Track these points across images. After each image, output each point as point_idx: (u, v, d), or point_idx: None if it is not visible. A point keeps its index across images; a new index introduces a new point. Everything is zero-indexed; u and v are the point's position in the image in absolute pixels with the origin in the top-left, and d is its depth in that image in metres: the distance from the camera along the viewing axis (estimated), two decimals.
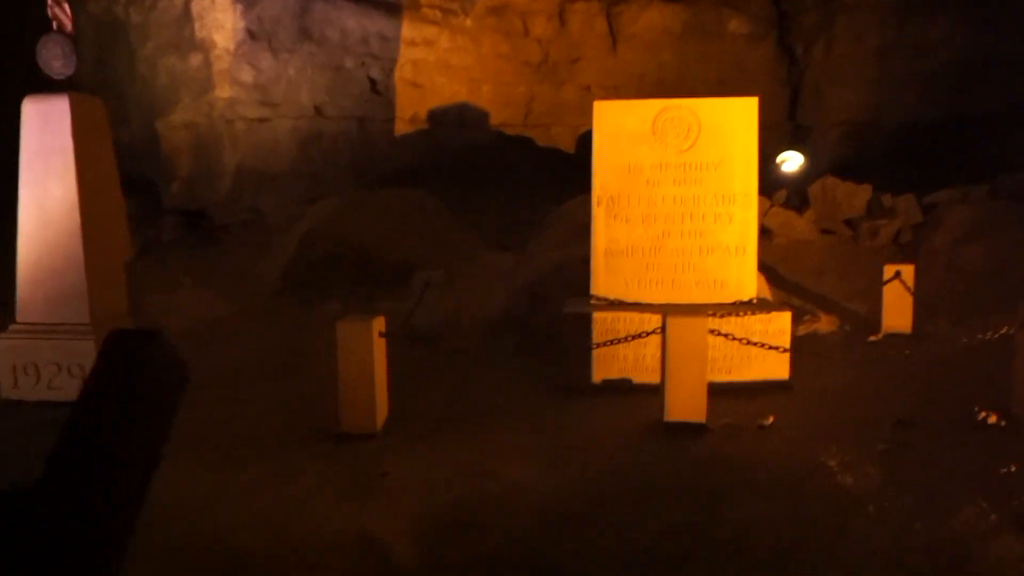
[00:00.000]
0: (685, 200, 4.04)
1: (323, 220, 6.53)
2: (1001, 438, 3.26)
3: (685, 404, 3.39)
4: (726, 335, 3.53)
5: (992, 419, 3.40)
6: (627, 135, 4.05)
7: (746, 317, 3.93)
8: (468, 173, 8.80)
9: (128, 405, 0.95)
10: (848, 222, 7.09)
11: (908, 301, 4.96)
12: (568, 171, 9.36)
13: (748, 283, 4.12)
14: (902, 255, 6.64)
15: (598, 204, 4.10)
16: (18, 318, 4.34)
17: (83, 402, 0.94)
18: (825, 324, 5.25)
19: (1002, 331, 3.72)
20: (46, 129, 4.23)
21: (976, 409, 3.50)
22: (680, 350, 3.35)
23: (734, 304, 4.07)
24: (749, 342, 3.72)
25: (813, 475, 2.91)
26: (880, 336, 4.94)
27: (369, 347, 3.48)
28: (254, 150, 8.24)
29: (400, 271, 6.23)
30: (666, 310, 3.63)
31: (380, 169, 8.39)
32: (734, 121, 4.00)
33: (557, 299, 4.75)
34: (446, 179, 8.54)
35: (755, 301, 4.13)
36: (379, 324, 3.59)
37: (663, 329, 3.45)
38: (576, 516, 2.80)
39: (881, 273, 5.42)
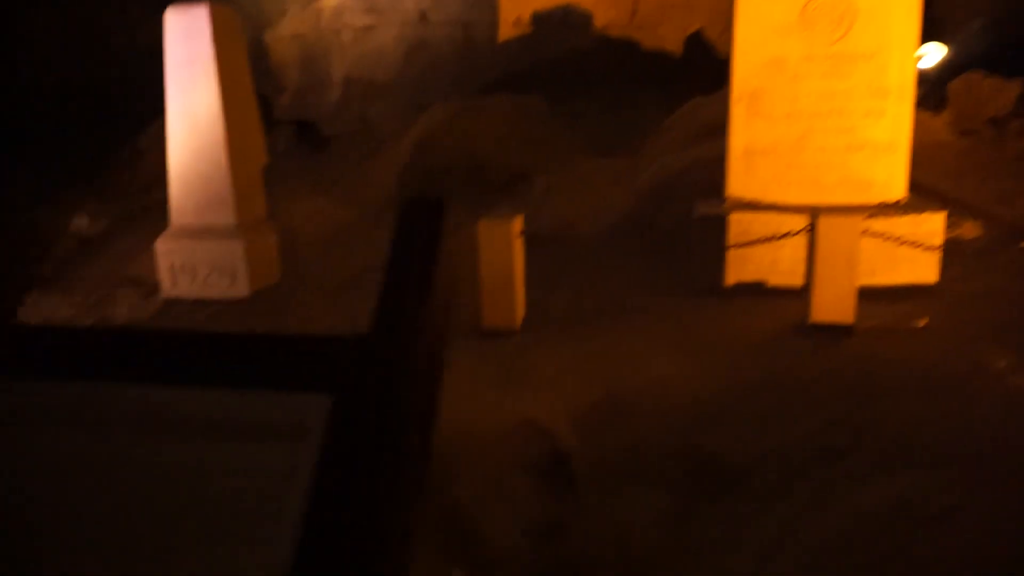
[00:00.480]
0: (833, 95, 3.81)
1: (435, 127, 6.55)
2: None
3: (832, 305, 3.31)
4: (879, 235, 3.39)
5: None
6: (772, 25, 3.81)
7: (895, 218, 3.74)
8: (571, 78, 8.56)
9: (433, 267, 1.01)
10: (992, 121, 6.54)
11: None
12: (674, 74, 8.97)
13: (897, 183, 3.90)
14: None
15: (738, 101, 3.92)
16: (172, 221, 4.64)
17: (399, 263, 1.00)
18: (968, 230, 4.94)
19: None
20: (188, 39, 4.36)
21: None
22: (830, 250, 3.25)
23: (880, 205, 3.88)
24: (905, 242, 3.55)
25: (977, 376, 2.82)
26: None
27: (509, 246, 3.54)
28: (361, 59, 8.28)
29: (512, 176, 6.24)
30: (811, 210, 3.50)
31: (484, 75, 8.29)
32: (893, 5, 3.69)
33: (684, 201, 4.65)
34: (549, 84, 8.35)
35: (903, 202, 3.93)
36: (518, 223, 3.64)
37: (811, 229, 3.34)
38: (729, 410, 2.84)
39: None
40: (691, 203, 4.48)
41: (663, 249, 4.61)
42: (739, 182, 4.01)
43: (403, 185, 6.54)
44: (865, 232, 3.36)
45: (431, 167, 6.38)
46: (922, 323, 3.36)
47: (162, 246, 4.58)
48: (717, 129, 5.11)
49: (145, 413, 0.94)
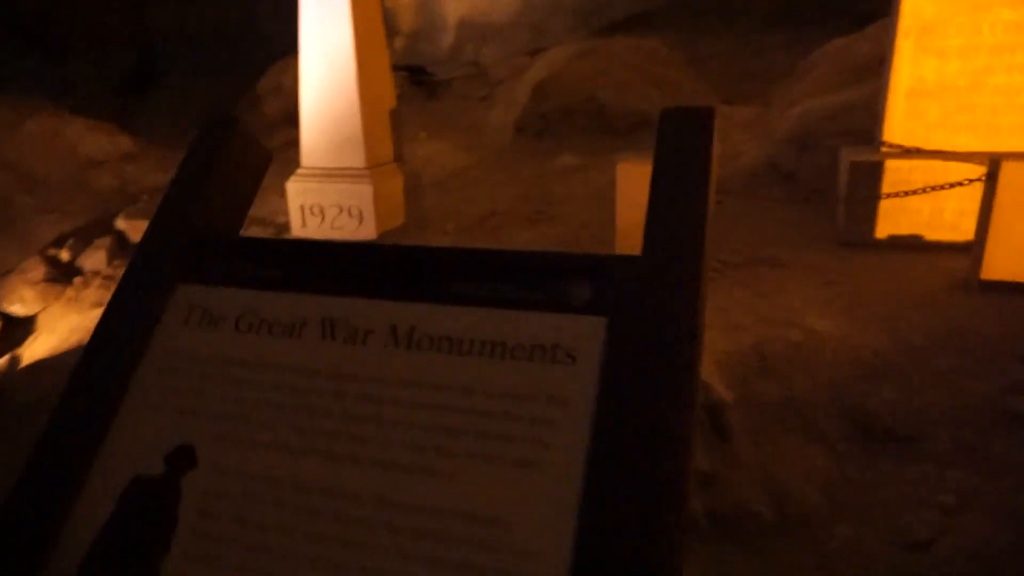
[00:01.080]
0: (1020, 26, 3.41)
1: (554, 70, 6.40)
2: None
3: (1008, 261, 3.03)
4: None
5: None
6: None
7: None
8: (694, 20, 8.17)
9: None
10: None
11: None
12: (802, 15, 8.40)
13: None
14: None
15: (905, 35, 3.58)
16: (303, 163, 4.74)
17: None
18: None
19: None
20: None
21: None
22: (1012, 199, 2.96)
23: None
24: None
25: None
26: None
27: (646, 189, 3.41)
28: (475, 2, 8.15)
29: (635, 122, 6.05)
30: (988, 157, 3.19)
31: (602, 18, 8.01)
32: None
33: (827, 149, 4.37)
34: (670, 27, 8.00)
35: None
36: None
37: (990, 176, 3.05)
38: (893, 368, 2.67)
39: None
40: (836, 151, 4.20)
41: (806, 199, 4.36)
42: (900, 126, 3.70)
43: (520, 130, 6.46)
44: None
45: (550, 111, 6.27)
46: None
47: (293, 187, 4.70)
48: (864, 72, 4.75)
49: (414, 329, 0.92)
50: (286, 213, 5.32)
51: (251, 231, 5.01)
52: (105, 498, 0.89)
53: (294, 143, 7.18)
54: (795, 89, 5.30)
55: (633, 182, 3.42)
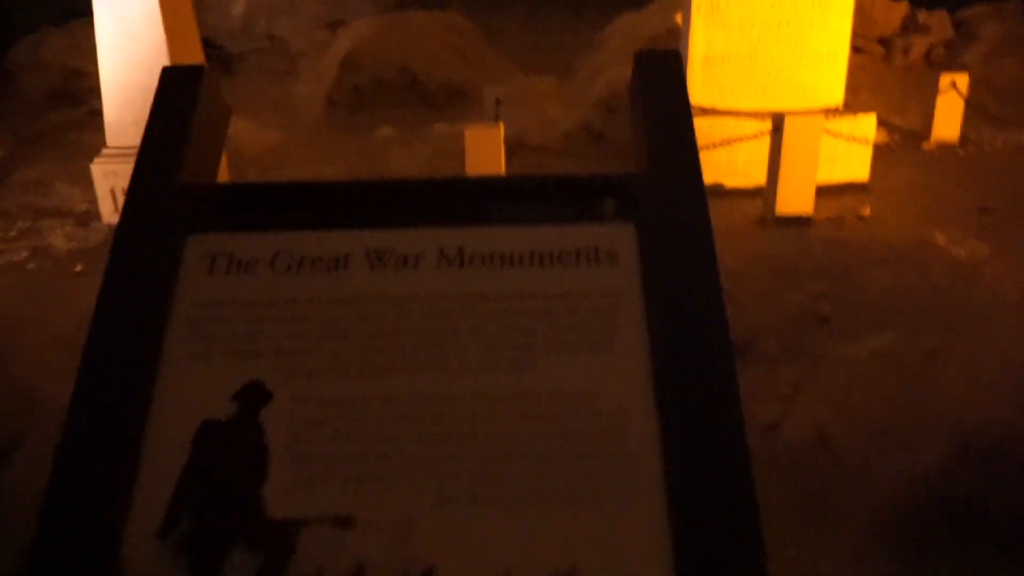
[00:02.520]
0: (782, 5, 4.08)
1: (363, 42, 6.31)
2: None
3: (795, 199, 3.67)
4: (834, 134, 3.76)
5: None
6: None
7: (833, 120, 4.13)
8: None
9: None
10: (881, 40, 7.17)
11: (959, 111, 5.21)
12: None
13: (836, 90, 4.29)
14: (931, 72, 6.82)
15: (697, 10, 4.11)
16: (108, 142, 4.29)
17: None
18: (874, 135, 5.51)
19: None
20: None
21: None
22: (796, 147, 3.57)
23: (824, 109, 4.26)
24: (851, 139, 3.95)
25: (927, 251, 3.27)
26: (932, 145, 5.23)
27: (498, 153, 3.62)
28: None
29: (451, 92, 6.19)
30: (771, 115, 3.81)
31: None
32: None
33: None
34: (460, 2, 8.22)
35: (840, 108, 4.33)
36: (501, 131, 3.71)
37: (777, 129, 3.65)
38: (726, 290, 3.13)
39: (915, 88, 5.66)
40: None
41: (615, 158, 4.83)
42: (697, 89, 4.25)
43: (332, 103, 6.32)
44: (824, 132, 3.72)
45: (362, 84, 6.20)
46: (867, 212, 3.80)
47: (99, 169, 4.25)
48: (655, 43, 5.33)
49: (462, 250, 1.02)
50: (85, 200, 4.78)
51: (51, 222, 4.45)
52: (171, 449, 0.89)
53: (66, 126, 6.41)
54: (596, 59, 5.79)
55: (481, 148, 3.59)
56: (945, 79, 5.17)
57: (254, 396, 0.92)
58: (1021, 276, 2.99)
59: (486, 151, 3.59)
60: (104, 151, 4.27)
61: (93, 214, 4.42)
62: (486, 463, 0.87)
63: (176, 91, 1.17)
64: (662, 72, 1.17)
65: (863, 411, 2.41)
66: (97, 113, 6.73)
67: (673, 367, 0.92)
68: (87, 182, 4.56)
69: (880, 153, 5.23)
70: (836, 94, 4.29)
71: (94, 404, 0.92)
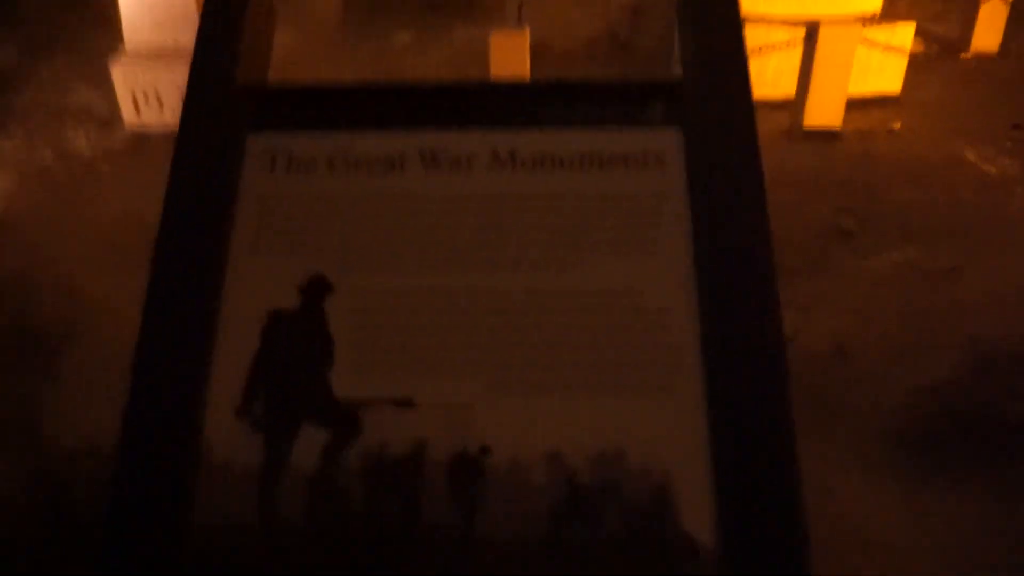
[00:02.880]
0: None
1: None
2: None
3: (825, 111, 3.60)
4: (870, 43, 3.64)
5: None
6: None
7: (870, 28, 3.99)
8: None
9: None
10: None
11: (1002, 19, 5.00)
12: None
13: None
14: None
15: None
16: (127, 41, 4.23)
17: None
18: (911, 45, 5.31)
19: None
20: None
21: None
22: (828, 57, 3.48)
23: (858, 17, 4.11)
24: (888, 48, 3.83)
25: (957, 167, 3.24)
26: (970, 55, 5.05)
27: (524, 58, 3.55)
28: None
29: None
30: (805, 22, 3.68)
31: None
32: None
33: (662, 17, 4.71)
34: None
35: (877, 14, 4.17)
36: (527, 36, 3.63)
37: (810, 37, 3.54)
38: None
39: None
40: (670, 18, 4.55)
41: (642, 64, 4.71)
42: None
43: (349, 6, 6.14)
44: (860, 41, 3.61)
45: None
46: (897, 126, 3.73)
47: (120, 71, 4.20)
48: None
49: (514, 152, 1.05)
50: (105, 103, 4.76)
51: (73, 124, 4.45)
52: (243, 337, 0.95)
53: (78, 27, 6.28)
54: None
55: (506, 53, 3.52)
56: None
57: (318, 288, 0.98)
58: None
59: (512, 57, 3.52)
60: (123, 52, 4.22)
61: (115, 116, 4.41)
62: (536, 353, 0.93)
63: None
64: None
65: (881, 324, 2.47)
66: (110, 14, 6.59)
67: (715, 269, 0.96)
68: (105, 84, 4.53)
69: (915, 63, 5.07)
70: (874, 1, 4.13)
71: (168, 298, 0.98)
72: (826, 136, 3.63)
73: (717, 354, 0.91)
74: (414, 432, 0.90)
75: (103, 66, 4.34)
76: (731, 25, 1.12)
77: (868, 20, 4.10)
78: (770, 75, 4.12)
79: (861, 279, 2.67)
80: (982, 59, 5.04)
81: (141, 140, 4.27)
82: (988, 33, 5.05)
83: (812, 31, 3.49)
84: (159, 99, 4.23)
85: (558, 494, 0.86)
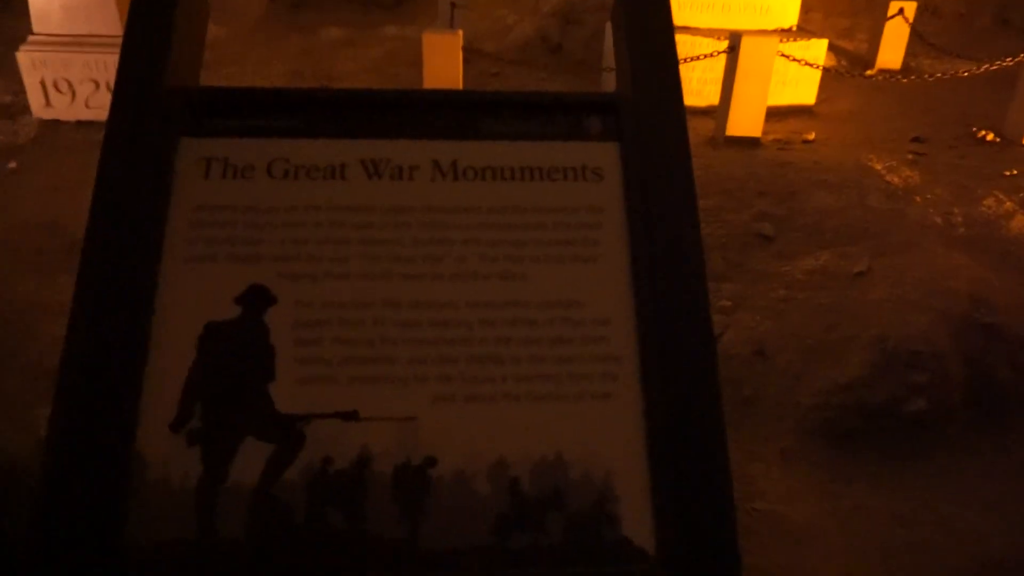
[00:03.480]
0: None
1: None
2: (998, 151, 3.88)
3: (746, 120, 3.76)
4: (786, 56, 3.82)
5: (989, 136, 4.00)
6: None
7: (787, 42, 4.19)
8: None
9: None
10: None
11: (904, 38, 5.34)
12: None
13: (791, 10, 4.33)
14: None
15: None
16: (35, 28, 3.99)
17: None
18: (824, 59, 5.60)
19: (995, 63, 4.19)
20: None
21: (974, 129, 4.09)
22: (749, 68, 3.63)
23: (776, 31, 4.30)
24: (805, 63, 4.02)
25: (865, 176, 3.43)
26: (875, 71, 5.37)
27: (456, 60, 3.55)
28: None
29: None
30: (729, 33, 3.83)
31: None
32: None
33: (590, 23, 4.80)
34: None
35: (794, 29, 4.38)
36: (460, 37, 3.63)
37: (731, 49, 3.69)
38: None
39: (864, 12, 5.73)
40: (597, 25, 4.65)
41: (572, 70, 4.79)
42: None
43: (274, 1, 5.98)
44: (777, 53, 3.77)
45: None
46: (811, 136, 3.93)
47: (26, 57, 3.96)
48: None
49: (456, 163, 1.06)
50: (9, 91, 4.48)
51: None
52: (178, 349, 0.93)
53: None
54: None
55: (439, 54, 3.51)
56: (894, 6, 5.26)
57: (258, 299, 0.96)
58: (946, 204, 3.19)
59: (445, 58, 3.52)
60: (31, 38, 3.98)
61: (21, 106, 4.15)
62: (480, 364, 0.95)
63: None
64: (643, 6, 1.20)
65: (797, 325, 2.60)
66: (16, 1, 6.19)
67: (651, 278, 1.00)
68: (10, 72, 4.27)
69: (826, 77, 5.36)
70: (791, 15, 4.34)
71: (98, 307, 0.94)
72: (747, 144, 3.78)
73: (653, 361, 0.95)
74: (358, 445, 0.90)
75: (9, 54, 4.09)
76: (664, 37, 1.17)
77: (785, 33, 4.30)
78: (695, 84, 4.26)
79: (779, 282, 2.80)
80: (886, 75, 5.37)
81: (51, 132, 4.05)
82: (891, 51, 5.39)
83: (735, 42, 3.63)
84: (72, 89, 4.01)
85: (502, 503, 0.88)
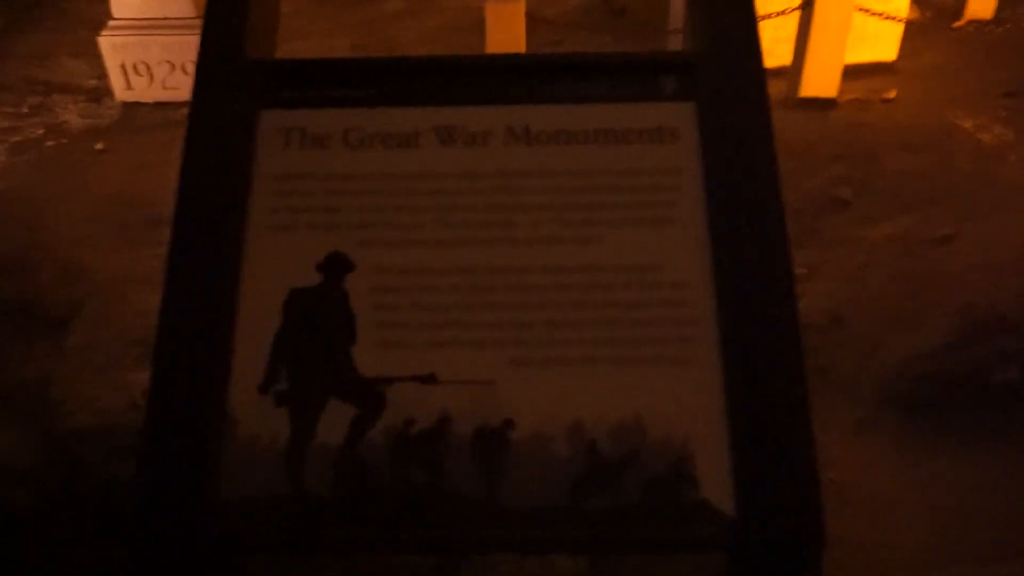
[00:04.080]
0: None
1: None
2: None
3: (821, 80, 3.60)
4: (866, 10, 3.62)
5: None
6: None
7: None
8: None
9: None
10: None
11: None
12: None
13: None
14: None
15: None
16: (115, 13, 4.14)
17: None
18: (907, 12, 5.28)
19: None
20: None
21: None
22: (825, 24, 3.46)
23: None
24: (886, 16, 3.81)
25: (951, 135, 3.25)
26: (964, 22, 5.03)
27: (520, 27, 3.51)
28: None
29: None
30: None
31: None
32: None
33: None
34: None
35: None
36: (523, 4, 3.59)
37: (805, 6, 3.52)
38: None
39: None
40: None
41: (637, 33, 4.67)
42: None
43: None
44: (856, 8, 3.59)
45: None
46: (892, 95, 3.73)
47: (108, 42, 4.12)
48: None
49: (529, 128, 1.05)
50: (93, 75, 4.68)
51: (62, 97, 4.38)
52: (264, 315, 0.97)
53: None
54: None
55: (502, 22, 3.48)
56: None
57: (338, 265, 0.99)
58: None
59: (508, 26, 3.48)
60: (111, 23, 4.13)
61: (104, 90, 4.33)
62: (556, 327, 0.95)
63: None
64: None
65: (876, 293, 2.50)
66: None
67: (729, 243, 0.98)
68: (93, 55, 4.45)
69: (909, 31, 5.05)
70: None
71: (188, 276, 0.99)
72: (822, 105, 3.63)
73: (732, 325, 0.94)
74: (438, 407, 0.92)
75: (91, 39, 4.26)
76: (746, 3, 1.13)
77: None
78: (767, 43, 4.08)
79: (857, 248, 2.70)
80: (977, 26, 5.03)
81: (132, 114, 4.21)
82: (982, 0, 5.03)
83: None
84: (150, 72, 4.16)
85: (579, 464, 0.89)
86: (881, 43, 4.13)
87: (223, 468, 0.91)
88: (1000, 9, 5.22)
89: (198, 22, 4.11)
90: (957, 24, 5.09)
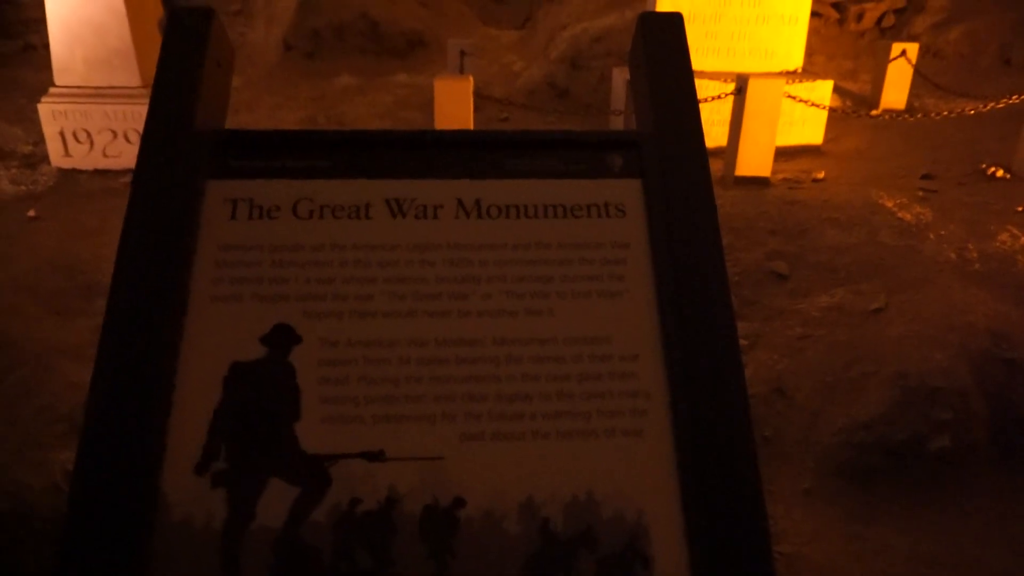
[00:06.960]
0: None
1: None
2: (1009, 187, 3.88)
3: (754, 160, 3.79)
4: (793, 97, 3.87)
5: (999, 173, 4.01)
6: None
7: (792, 84, 4.25)
8: None
9: None
10: (835, 5, 7.31)
11: (907, 79, 5.40)
12: None
13: (796, 53, 4.40)
14: (883, 39, 7.02)
15: None
16: (57, 81, 4.10)
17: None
18: (830, 100, 5.67)
19: (1000, 101, 4.23)
20: None
21: (984, 166, 4.10)
22: (757, 109, 3.67)
23: (782, 73, 4.37)
24: (811, 104, 4.06)
25: (876, 213, 3.44)
26: (880, 111, 5.42)
27: (467, 104, 3.61)
28: None
29: (411, 40, 6.08)
30: (735, 76, 3.89)
31: None
32: None
33: (597, 68, 4.89)
34: None
35: (799, 71, 4.45)
36: (471, 83, 3.70)
37: (738, 91, 3.74)
38: None
39: (867, 54, 5.83)
40: (604, 70, 4.73)
41: (580, 114, 4.86)
42: None
43: (289, 47, 6.13)
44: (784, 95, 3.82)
45: (321, 28, 6.02)
46: (821, 175, 3.95)
47: (47, 109, 4.06)
48: (617, 1, 5.33)
49: (479, 201, 1.06)
50: (29, 141, 4.58)
51: None
52: (203, 389, 0.93)
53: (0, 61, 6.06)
54: (557, 13, 5.75)
55: (450, 99, 3.58)
56: (896, 48, 5.34)
57: (284, 338, 0.96)
58: (959, 239, 3.19)
59: (456, 103, 3.58)
60: (52, 90, 4.08)
61: (40, 156, 4.24)
62: (507, 402, 0.94)
63: (186, 35, 1.17)
64: (665, 33, 1.23)
65: (815, 363, 2.57)
66: (33, 48, 6.37)
67: (677, 314, 0.99)
68: (29, 122, 4.37)
69: (833, 118, 5.42)
70: (796, 58, 4.41)
71: (122, 346, 0.94)
72: (757, 184, 3.81)
73: (683, 395, 0.94)
74: (385, 485, 0.89)
75: (29, 106, 4.19)
76: (684, 75, 1.18)
77: (791, 76, 4.37)
78: (703, 126, 4.30)
79: (795, 319, 2.79)
80: (891, 115, 5.43)
81: (69, 181, 4.11)
82: (895, 92, 5.45)
83: (742, 84, 3.69)
84: (90, 139, 4.09)
85: (532, 543, 0.86)
86: (808, 127, 4.40)
87: (154, 553, 0.85)
88: (910, 100, 5.67)
89: (143, 91, 4.12)
90: (875, 112, 5.49)
